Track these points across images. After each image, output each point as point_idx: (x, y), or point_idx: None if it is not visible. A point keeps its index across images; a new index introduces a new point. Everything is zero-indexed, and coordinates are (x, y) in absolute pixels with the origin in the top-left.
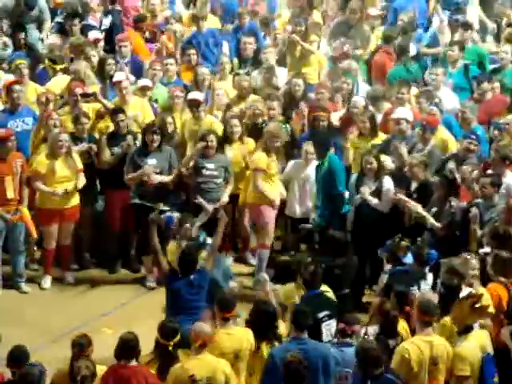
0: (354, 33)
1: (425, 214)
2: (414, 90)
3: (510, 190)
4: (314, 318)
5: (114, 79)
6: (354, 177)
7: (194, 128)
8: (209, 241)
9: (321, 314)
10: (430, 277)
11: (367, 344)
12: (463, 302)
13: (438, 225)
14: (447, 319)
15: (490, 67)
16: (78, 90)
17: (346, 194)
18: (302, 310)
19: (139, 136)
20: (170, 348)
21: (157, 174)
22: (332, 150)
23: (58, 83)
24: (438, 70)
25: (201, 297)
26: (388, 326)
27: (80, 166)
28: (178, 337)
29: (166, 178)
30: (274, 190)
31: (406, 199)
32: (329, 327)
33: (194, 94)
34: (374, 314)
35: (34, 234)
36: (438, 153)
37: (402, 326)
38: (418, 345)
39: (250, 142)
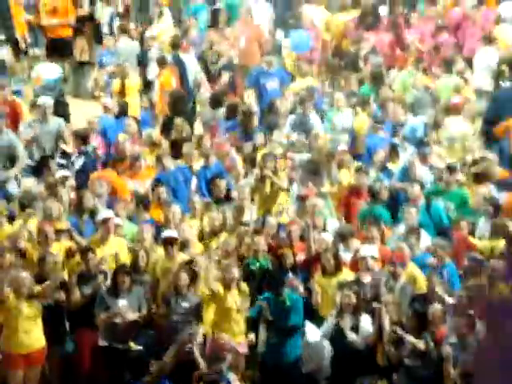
0: (321, 170)
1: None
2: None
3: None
4: None
5: (102, 217)
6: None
7: (168, 266)
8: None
9: None
10: None
11: None
12: None
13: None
14: None
15: None
16: (49, 228)
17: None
18: None
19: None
20: None
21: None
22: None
23: None
24: (412, 210)
25: None
26: None
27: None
28: None
29: (137, 315)
30: None
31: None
32: None
33: (169, 232)
34: None
35: None
36: (409, 289)
37: None
38: None
39: None
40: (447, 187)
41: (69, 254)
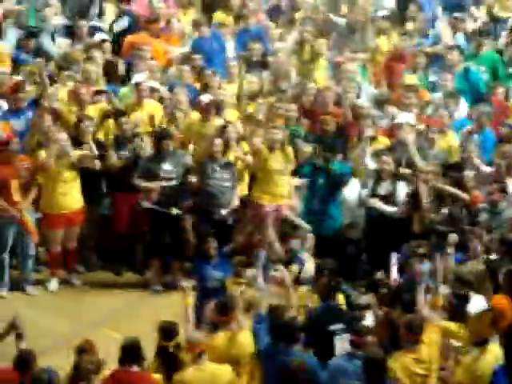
0: (357, 37)
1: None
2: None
3: None
4: (325, 331)
5: (135, 80)
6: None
7: (202, 130)
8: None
9: (333, 327)
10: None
11: (373, 351)
12: (484, 314)
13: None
14: (450, 326)
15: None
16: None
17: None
18: (291, 324)
19: (145, 139)
20: (171, 349)
21: (172, 178)
22: (340, 156)
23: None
24: (448, 77)
25: None
26: (394, 336)
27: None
28: (178, 338)
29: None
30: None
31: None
32: (343, 341)
33: (206, 97)
34: (378, 326)
35: (35, 238)
36: (444, 156)
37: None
38: (404, 362)
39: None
40: (477, 50)
41: (104, 116)
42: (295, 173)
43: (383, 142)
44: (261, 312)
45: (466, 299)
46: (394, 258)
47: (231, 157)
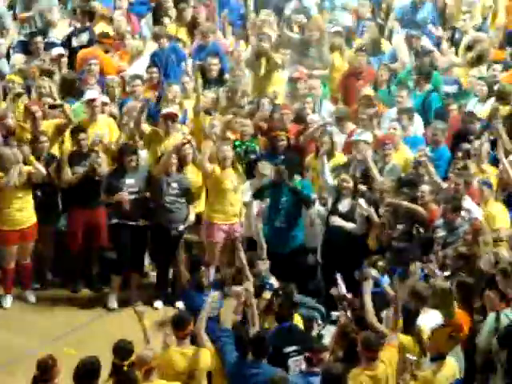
0: (313, 53)
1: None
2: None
3: (471, 214)
4: (280, 353)
5: (87, 97)
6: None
7: (164, 143)
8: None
9: (288, 349)
10: None
11: (331, 366)
12: (441, 330)
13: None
14: (405, 339)
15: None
16: (46, 101)
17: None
18: (261, 337)
19: (101, 155)
20: (125, 368)
21: (134, 193)
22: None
23: None
24: (403, 92)
25: None
26: (350, 350)
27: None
28: (133, 357)
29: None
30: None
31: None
32: (297, 363)
33: (168, 109)
34: (336, 340)
35: None
36: (398, 172)
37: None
38: (361, 380)
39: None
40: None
41: (59, 131)
42: (258, 193)
43: (340, 158)
44: (226, 326)
45: (416, 313)
46: (340, 277)
47: (188, 173)
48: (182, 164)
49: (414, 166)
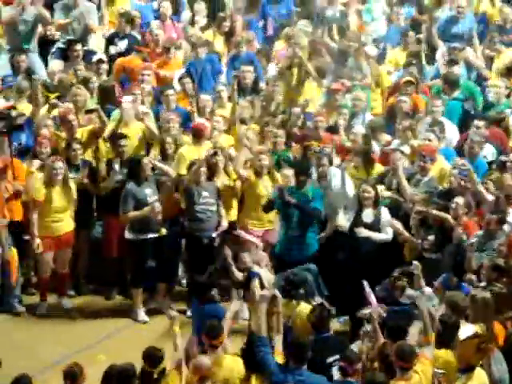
0: (351, 63)
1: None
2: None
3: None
4: (323, 363)
5: (123, 101)
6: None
7: (193, 154)
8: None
9: (330, 359)
10: None
11: (375, 374)
12: (469, 341)
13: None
14: (442, 353)
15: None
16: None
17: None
18: (302, 343)
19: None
20: (156, 375)
21: (155, 201)
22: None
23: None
24: (438, 102)
25: None
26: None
27: (75, 195)
28: (163, 364)
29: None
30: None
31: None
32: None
33: (199, 120)
34: (370, 357)
35: (15, 278)
36: (435, 184)
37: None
38: None
39: None
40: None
41: (93, 135)
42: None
43: (379, 168)
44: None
45: (454, 326)
46: (367, 286)
47: (219, 183)
48: (213, 173)
49: (460, 179)
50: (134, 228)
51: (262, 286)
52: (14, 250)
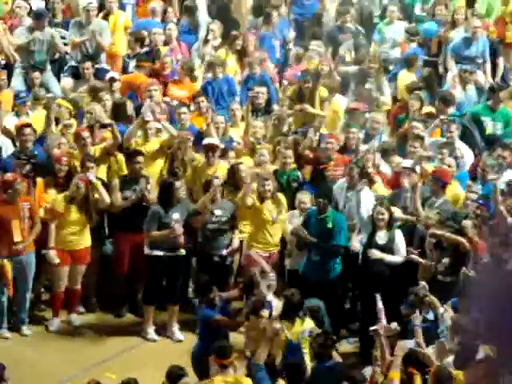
0: (372, 84)
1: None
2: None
3: None
4: None
5: (145, 117)
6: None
7: (207, 173)
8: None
9: None
10: None
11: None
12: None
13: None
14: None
15: None
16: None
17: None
18: (296, 364)
19: (151, 181)
20: None
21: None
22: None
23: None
24: (453, 127)
25: None
26: None
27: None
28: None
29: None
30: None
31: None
32: None
33: (210, 140)
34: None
35: (10, 291)
36: (449, 207)
37: None
38: None
39: None
40: (494, 106)
41: (107, 152)
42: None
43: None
44: (255, 362)
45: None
46: (380, 302)
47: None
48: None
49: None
50: (153, 244)
51: (270, 316)
52: (8, 264)
